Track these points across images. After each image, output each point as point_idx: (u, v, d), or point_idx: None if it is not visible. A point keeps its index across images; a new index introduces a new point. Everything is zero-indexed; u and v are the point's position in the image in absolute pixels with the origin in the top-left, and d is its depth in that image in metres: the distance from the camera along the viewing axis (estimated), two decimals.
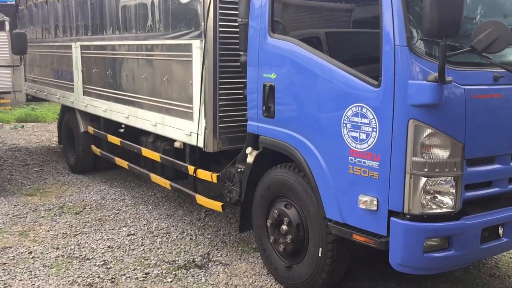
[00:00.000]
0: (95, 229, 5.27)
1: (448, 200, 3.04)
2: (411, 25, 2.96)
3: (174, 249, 4.78)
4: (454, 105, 2.98)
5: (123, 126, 6.65)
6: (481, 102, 3.07)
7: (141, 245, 4.85)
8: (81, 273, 4.26)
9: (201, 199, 4.89)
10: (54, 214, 5.73)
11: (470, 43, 2.81)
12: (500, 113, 3.19)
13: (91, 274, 4.23)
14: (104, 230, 5.26)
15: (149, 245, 4.86)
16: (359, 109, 3.21)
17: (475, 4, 3.61)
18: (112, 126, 6.67)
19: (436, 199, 3.03)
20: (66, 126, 7.84)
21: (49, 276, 4.21)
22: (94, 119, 7.00)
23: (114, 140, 6.41)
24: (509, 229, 3.30)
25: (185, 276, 4.23)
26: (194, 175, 4.85)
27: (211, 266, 4.42)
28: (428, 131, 2.95)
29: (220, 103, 4.44)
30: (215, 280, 4.15)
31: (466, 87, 2.99)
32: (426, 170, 2.98)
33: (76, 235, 5.12)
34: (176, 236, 5.08)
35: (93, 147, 7.07)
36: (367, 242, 3.25)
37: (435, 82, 2.82)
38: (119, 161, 6.40)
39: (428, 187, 3.00)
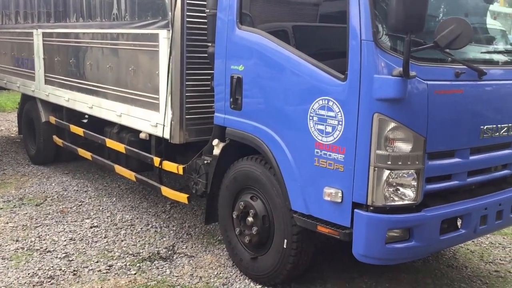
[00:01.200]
0: (56, 221, 5.15)
1: (409, 193, 3.11)
2: (377, 20, 3.01)
3: (139, 241, 4.72)
4: (417, 100, 3.05)
5: (86, 116, 6.51)
6: (443, 98, 3.15)
7: (104, 237, 4.78)
8: (42, 265, 4.16)
9: (166, 191, 4.85)
10: (14, 206, 5.56)
11: (433, 39, 2.88)
12: (460, 109, 3.27)
13: (52, 267, 4.14)
14: (66, 222, 5.14)
15: (112, 237, 4.78)
16: (326, 102, 3.25)
17: (439, 3, 3.70)
18: (75, 116, 6.52)
19: (399, 191, 3.10)
20: (27, 116, 7.60)
21: (8, 268, 4.10)
22: (56, 108, 6.82)
23: (77, 130, 6.26)
24: (467, 221, 3.41)
25: (150, 268, 4.19)
26: (160, 166, 4.81)
27: (176, 258, 4.39)
28: (392, 124, 3.01)
29: (187, 94, 4.40)
30: (180, 272, 4.13)
31: (429, 82, 3.06)
32: (389, 163, 3.04)
33: (36, 227, 4.99)
34: (141, 228, 5.03)
35: (55, 137, 6.89)
36: (331, 234, 3.30)
37: (400, 76, 2.87)
38: (82, 152, 6.27)
39: (391, 179, 3.07)
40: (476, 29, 3.84)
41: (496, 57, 3.70)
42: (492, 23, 4.11)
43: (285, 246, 3.67)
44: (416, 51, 2.91)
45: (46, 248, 4.50)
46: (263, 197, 3.84)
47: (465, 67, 3.21)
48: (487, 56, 3.66)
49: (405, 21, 2.67)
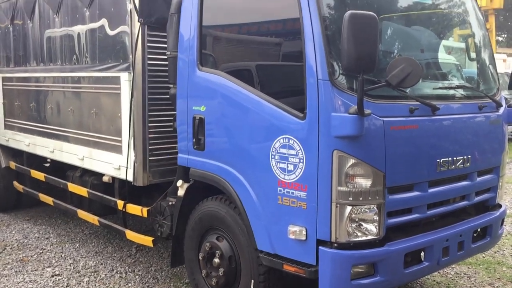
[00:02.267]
0: (16, 271, 4.94)
1: (372, 228, 3.14)
2: (333, 60, 3.10)
3: None
4: (375, 136, 3.12)
5: (48, 160, 6.37)
6: (399, 133, 3.24)
7: (66, 286, 4.60)
8: None
9: (131, 235, 4.75)
10: None
11: (385, 78, 2.99)
12: (416, 143, 3.36)
13: None
14: (26, 271, 4.94)
15: (75, 286, 4.62)
16: (286, 141, 3.29)
17: (394, 40, 3.86)
18: (37, 160, 6.38)
19: (361, 227, 3.13)
20: None
21: None
22: (16, 153, 6.66)
23: (38, 175, 6.11)
24: (429, 253, 3.45)
25: None
26: (124, 210, 4.72)
27: None
28: (351, 161, 3.06)
29: (150, 136, 4.39)
30: None
31: (384, 119, 3.15)
32: (351, 199, 3.08)
33: None
34: (105, 275, 4.87)
35: (15, 183, 6.69)
36: (298, 272, 3.28)
37: (356, 114, 2.94)
38: (43, 197, 6.10)
39: (353, 215, 3.10)
40: (430, 64, 4.01)
41: (450, 92, 3.83)
42: (446, 58, 4.29)
43: (252, 287, 3.62)
44: (369, 89, 3.00)
45: None
46: (229, 237, 3.80)
47: (418, 103, 3.32)
48: (442, 91, 3.79)
49: (357, 62, 2.76)
